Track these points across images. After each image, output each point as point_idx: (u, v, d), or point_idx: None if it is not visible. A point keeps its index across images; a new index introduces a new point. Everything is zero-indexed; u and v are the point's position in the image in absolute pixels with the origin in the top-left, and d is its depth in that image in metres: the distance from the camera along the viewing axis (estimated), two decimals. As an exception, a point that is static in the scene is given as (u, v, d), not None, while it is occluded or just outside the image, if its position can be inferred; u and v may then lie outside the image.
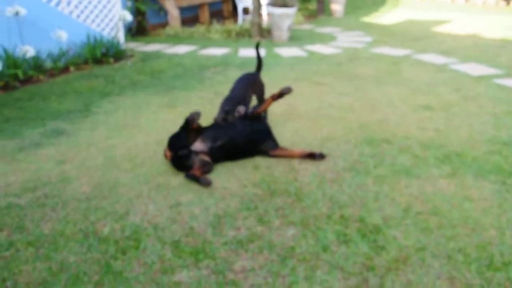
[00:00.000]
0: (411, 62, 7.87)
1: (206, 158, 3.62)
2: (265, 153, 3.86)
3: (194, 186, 3.34)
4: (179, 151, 3.59)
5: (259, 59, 5.10)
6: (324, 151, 3.95)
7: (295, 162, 3.74)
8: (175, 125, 4.38)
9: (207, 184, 3.33)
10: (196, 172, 3.47)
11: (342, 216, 2.93)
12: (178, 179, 3.46)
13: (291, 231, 2.76)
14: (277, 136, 4.31)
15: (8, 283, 2.32)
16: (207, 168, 3.57)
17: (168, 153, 3.71)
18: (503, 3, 17.09)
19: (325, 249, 2.59)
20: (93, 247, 2.61)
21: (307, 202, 3.11)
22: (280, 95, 4.07)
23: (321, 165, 3.68)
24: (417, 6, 17.62)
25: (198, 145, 3.66)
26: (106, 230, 2.78)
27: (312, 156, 3.77)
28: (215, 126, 3.99)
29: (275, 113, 5.03)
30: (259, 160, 3.79)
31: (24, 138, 4.36)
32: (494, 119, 4.82)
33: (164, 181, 3.44)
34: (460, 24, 12.62)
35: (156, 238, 2.69)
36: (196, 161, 3.55)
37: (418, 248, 2.59)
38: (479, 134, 4.38)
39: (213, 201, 3.13)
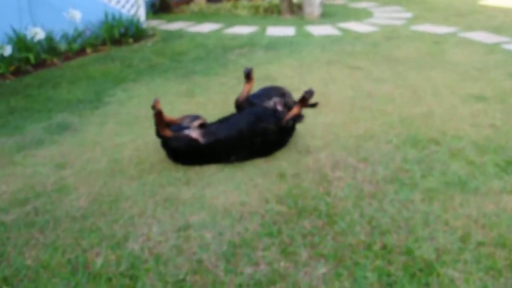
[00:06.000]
0: (456, 41, 7.10)
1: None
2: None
3: (208, 201, 2.85)
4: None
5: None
6: (361, 155, 3.39)
7: (328, 170, 3.19)
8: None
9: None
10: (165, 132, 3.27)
11: (384, 247, 2.39)
12: (190, 191, 2.97)
13: (321, 269, 2.24)
14: (307, 132, 3.82)
15: None
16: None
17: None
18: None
19: (364, 297, 2.07)
20: (81, 286, 2.16)
21: (341, 225, 2.57)
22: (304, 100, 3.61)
23: (358, 174, 3.12)
24: (459, -23, 16.44)
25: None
26: (99, 262, 2.32)
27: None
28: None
29: (305, 105, 4.45)
30: (286, 166, 3.26)
31: (25, 134, 3.94)
32: (561, 113, 4.13)
33: (174, 193, 2.95)
34: (509, -4, 11.59)
35: (156, 275, 2.22)
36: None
37: (485, 299, 2.04)
38: (545, 132, 3.72)
39: (229, 222, 2.63)
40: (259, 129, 3.38)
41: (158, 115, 3.22)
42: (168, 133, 3.27)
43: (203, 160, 3.30)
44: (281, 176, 3.13)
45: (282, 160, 3.35)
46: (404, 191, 2.90)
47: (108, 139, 3.82)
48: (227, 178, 3.12)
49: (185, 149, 3.25)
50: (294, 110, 3.57)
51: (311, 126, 3.95)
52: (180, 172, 3.22)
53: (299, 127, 3.91)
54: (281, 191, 2.94)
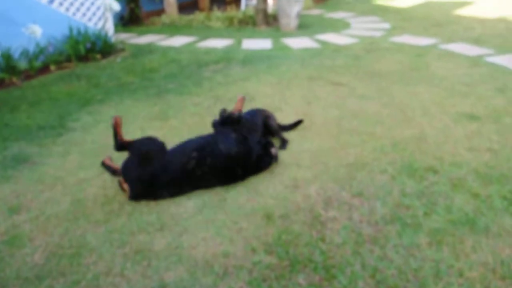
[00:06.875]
0: (438, 53, 6.89)
1: None
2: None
3: (185, 252, 2.46)
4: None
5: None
6: (355, 188, 3.06)
7: (320, 208, 2.85)
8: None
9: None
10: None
11: (394, 308, 2.05)
12: (165, 239, 2.58)
13: None
14: (293, 161, 3.49)
15: None
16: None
17: (126, 186, 3.01)
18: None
19: None
20: None
21: (341, 280, 2.23)
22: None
23: (355, 213, 2.79)
24: (432, -14, 16.48)
25: None
26: None
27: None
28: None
29: (288, 128, 4.12)
30: (272, 205, 2.89)
31: (-25, 170, 3.48)
32: (559, 133, 3.90)
33: (146, 242, 2.56)
34: (484, 5, 11.55)
35: None
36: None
37: None
38: (546, 156, 3.47)
39: (211, 280, 2.25)
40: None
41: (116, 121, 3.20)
42: (128, 140, 3.19)
43: (170, 170, 3.02)
44: (268, 217, 2.76)
45: (267, 198, 2.98)
46: (407, 234, 2.57)
47: (71, 174, 3.39)
48: (206, 221, 2.74)
49: (156, 148, 3.13)
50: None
51: (296, 154, 3.61)
52: (153, 214, 2.82)
53: (284, 155, 3.57)
54: (269, 237, 2.58)
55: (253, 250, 2.47)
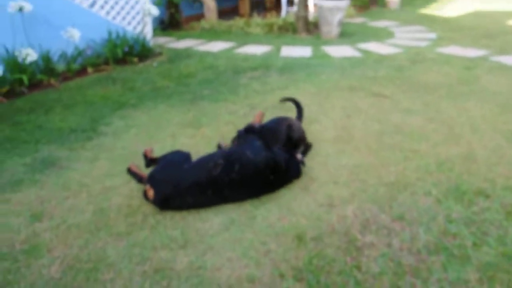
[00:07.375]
0: (489, 66, 6.50)
1: None
2: None
3: (208, 275, 2.28)
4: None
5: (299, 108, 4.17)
6: (396, 211, 2.81)
7: (356, 231, 2.61)
8: (196, 154, 3.33)
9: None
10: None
11: None
12: (187, 258, 2.41)
13: None
14: (329, 177, 3.26)
15: None
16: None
17: (152, 192, 2.89)
18: None
19: None
20: None
21: (378, 318, 1.99)
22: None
23: (394, 239, 2.54)
24: (481, -5, 15.87)
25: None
26: None
27: None
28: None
29: (326, 140, 3.91)
30: (305, 225, 2.68)
31: (2, 172, 3.42)
32: None
33: (167, 260, 2.40)
34: (538, 16, 10.97)
35: None
36: None
37: None
38: None
39: (234, 309, 2.06)
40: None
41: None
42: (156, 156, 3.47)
43: (195, 174, 2.93)
44: (299, 239, 2.55)
45: (300, 216, 2.78)
46: (454, 267, 2.31)
47: (97, 181, 3.28)
48: (234, 240, 2.56)
49: (182, 155, 3.20)
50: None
51: (333, 170, 3.38)
52: (177, 229, 2.66)
53: (320, 171, 3.35)
54: (299, 262, 2.37)
55: (281, 276, 2.26)
